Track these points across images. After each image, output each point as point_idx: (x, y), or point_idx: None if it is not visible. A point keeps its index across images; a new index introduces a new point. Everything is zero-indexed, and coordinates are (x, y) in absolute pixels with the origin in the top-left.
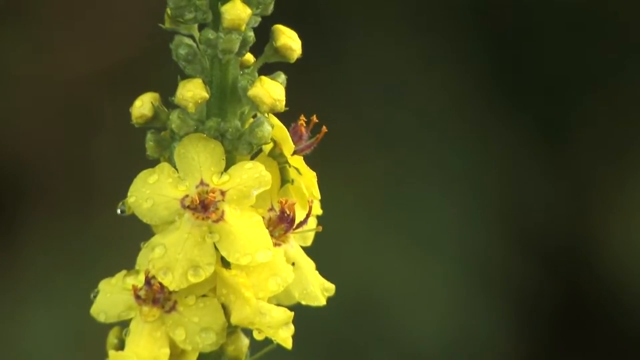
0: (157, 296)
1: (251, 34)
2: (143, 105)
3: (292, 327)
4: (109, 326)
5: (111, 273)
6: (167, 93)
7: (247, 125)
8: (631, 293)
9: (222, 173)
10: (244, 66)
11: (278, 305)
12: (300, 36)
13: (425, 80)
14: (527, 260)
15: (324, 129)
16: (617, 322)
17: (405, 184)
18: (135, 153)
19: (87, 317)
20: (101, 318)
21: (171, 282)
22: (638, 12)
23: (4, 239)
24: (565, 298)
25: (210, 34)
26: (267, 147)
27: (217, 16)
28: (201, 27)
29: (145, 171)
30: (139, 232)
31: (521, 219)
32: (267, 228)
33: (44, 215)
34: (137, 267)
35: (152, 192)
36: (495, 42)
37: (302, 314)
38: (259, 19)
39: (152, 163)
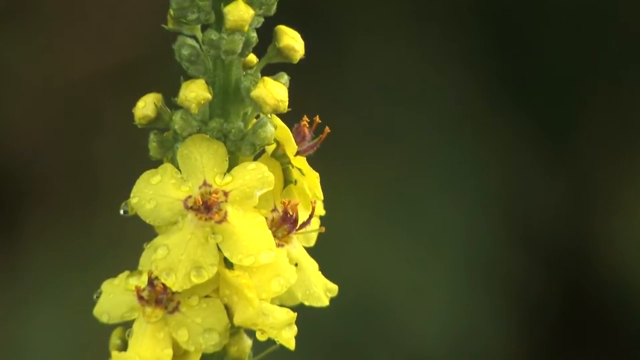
0: (160, 297)
1: (254, 34)
2: (146, 106)
3: (295, 328)
4: (111, 327)
5: (114, 274)
6: (170, 94)
7: (250, 126)
8: (633, 293)
9: (225, 174)
10: (246, 67)
11: (281, 306)
12: (303, 37)
13: (428, 81)
14: (529, 260)
15: (327, 129)
16: (620, 322)
17: (408, 184)
18: (137, 154)
19: (90, 318)
20: (104, 319)
21: (174, 282)
22: (638, 12)
23: (5, 239)
24: (567, 298)
25: (213, 34)
26: (270, 148)
27: (220, 17)
28: (204, 28)
29: (148, 172)
30: (142, 232)
31: (524, 219)
32: (270, 229)
33: (46, 215)
34: (140, 268)
35: (155, 193)
36: (498, 42)
37: (305, 315)
38: (262, 20)
39: (155, 164)
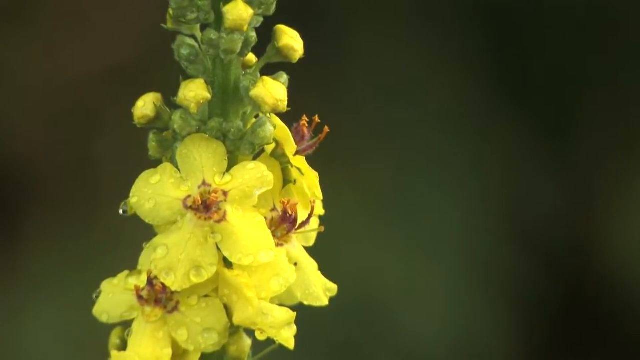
0: (159, 296)
1: (253, 34)
2: (145, 106)
3: (294, 328)
4: (110, 327)
5: (113, 273)
6: (169, 93)
7: (249, 126)
8: (634, 293)
9: (224, 173)
10: (246, 66)
11: (280, 305)
12: (302, 36)
13: (427, 80)
14: (529, 260)
15: (326, 129)
16: (620, 322)
17: (407, 184)
18: (137, 153)
19: (89, 318)
20: (103, 318)
21: (173, 282)
22: (638, 12)
23: (5, 239)
24: (567, 298)
25: (212, 34)
26: (270, 148)
27: (219, 16)
28: (203, 28)
29: (147, 171)
30: (141, 232)
31: (523, 219)
32: (270, 228)
33: (46, 215)
34: (139, 268)
35: (154, 193)
36: (497, 42)
37: (304, 314)
38: (261, 19)
39: (154, 163)
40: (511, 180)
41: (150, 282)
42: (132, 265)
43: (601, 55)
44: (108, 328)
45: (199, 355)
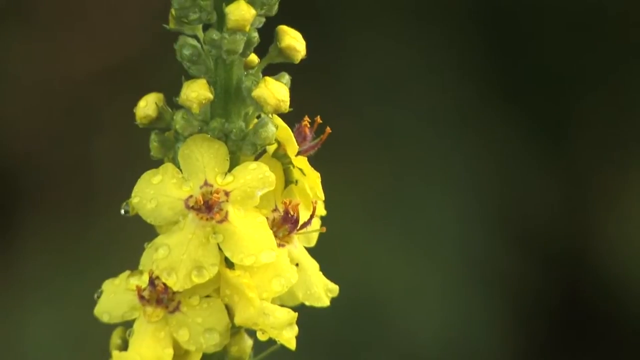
0: (160, 297)
1: (255, 34)
2: (147, 106)
3: (295, 328)
4: (108, 327)
5: (112, 274)
6: (171, 93)
7: (251, 126)
8: (630, 292)
9: (226, 174)
10: (248, 67)
11: (282, 306)
12: (304, 37)
13: (426, 81)
14: (526, 260)
15: (328, 129)
16: (616, 322)
17: (406, 185)
18: (136, 153)
19: (87, 318)
20: (105, 318)
21: (175, 282)
22: (638, 12)
23: (3, 239)
24: (563, 298)
25: (214, 34)
26: (271, 148)
27: (222, 17)
28: (205, 28)
29: (149, 172)
30: (141, 232)
31: (520, 219)
32: (271, 229)
33: (44, 215)
34: (140, 268)
35: (156, 193)
36: (495, 42)
37: (304, 315)
38: (263, 20)
39: (154, 163)
40: (509, 181)
41: (151, 282)
42: (131, 266)
43: (600, 55)
44: (107, 328)
45: (200, 355)
